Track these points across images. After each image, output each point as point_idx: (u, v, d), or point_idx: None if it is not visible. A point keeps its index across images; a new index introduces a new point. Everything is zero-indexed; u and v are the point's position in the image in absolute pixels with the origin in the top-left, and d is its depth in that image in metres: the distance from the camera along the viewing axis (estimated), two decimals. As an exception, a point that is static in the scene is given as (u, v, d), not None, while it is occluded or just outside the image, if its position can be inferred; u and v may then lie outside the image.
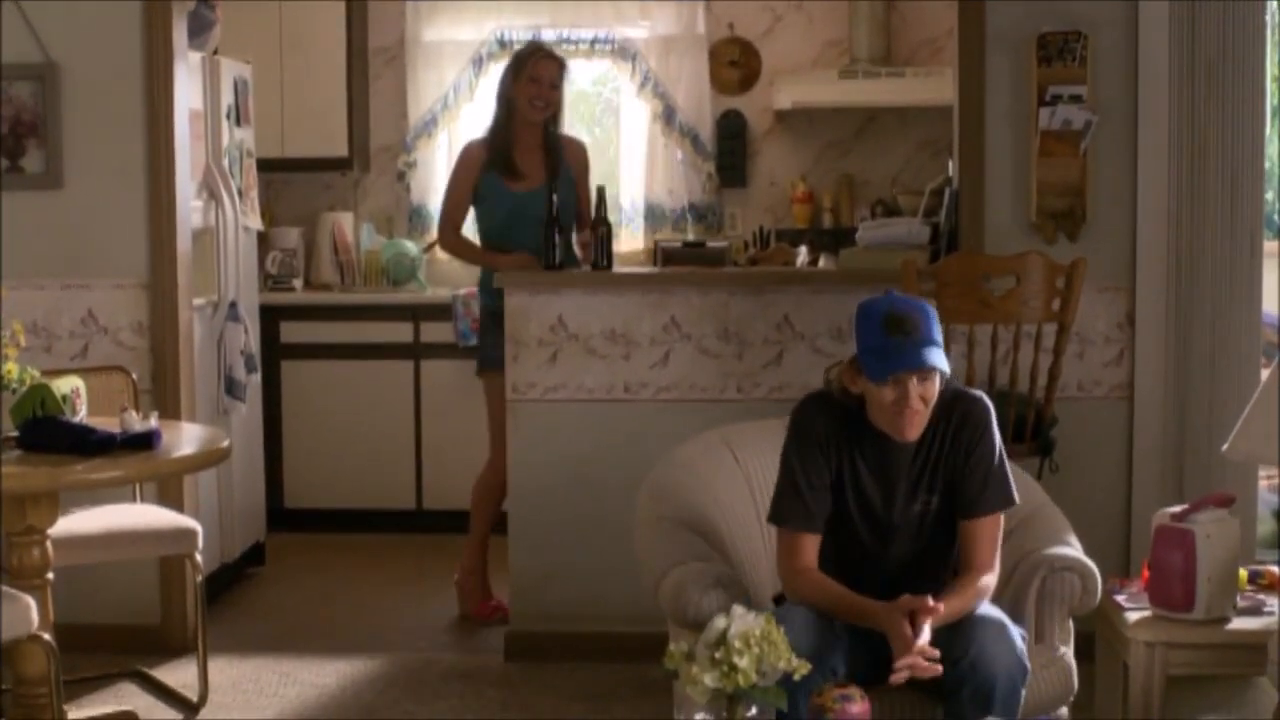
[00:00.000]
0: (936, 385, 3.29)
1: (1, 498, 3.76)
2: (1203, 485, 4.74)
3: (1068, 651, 3.51)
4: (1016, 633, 3.26)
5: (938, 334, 3.30)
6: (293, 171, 7.19)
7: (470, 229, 5.56)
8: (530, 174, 5.34)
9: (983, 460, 3.37)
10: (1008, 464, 3.43)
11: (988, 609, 3.33)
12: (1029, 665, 3.25)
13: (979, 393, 3.45)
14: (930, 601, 3.16)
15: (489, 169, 5.35)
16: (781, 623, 2.93)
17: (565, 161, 5.39)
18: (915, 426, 3.30)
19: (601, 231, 5.05)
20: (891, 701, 3.26)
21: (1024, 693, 3.23)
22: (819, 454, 3.37)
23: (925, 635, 3.13)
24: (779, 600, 3.49)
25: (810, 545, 3.38)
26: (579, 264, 5.23)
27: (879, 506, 3.39)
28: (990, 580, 3.36)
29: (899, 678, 3.10)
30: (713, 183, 7.28)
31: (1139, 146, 4.85)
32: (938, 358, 3.25)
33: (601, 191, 5.11)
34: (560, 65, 5.38)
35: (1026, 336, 4.58)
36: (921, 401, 3.27)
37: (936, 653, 3.13)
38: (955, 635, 3.20)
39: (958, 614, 3.25)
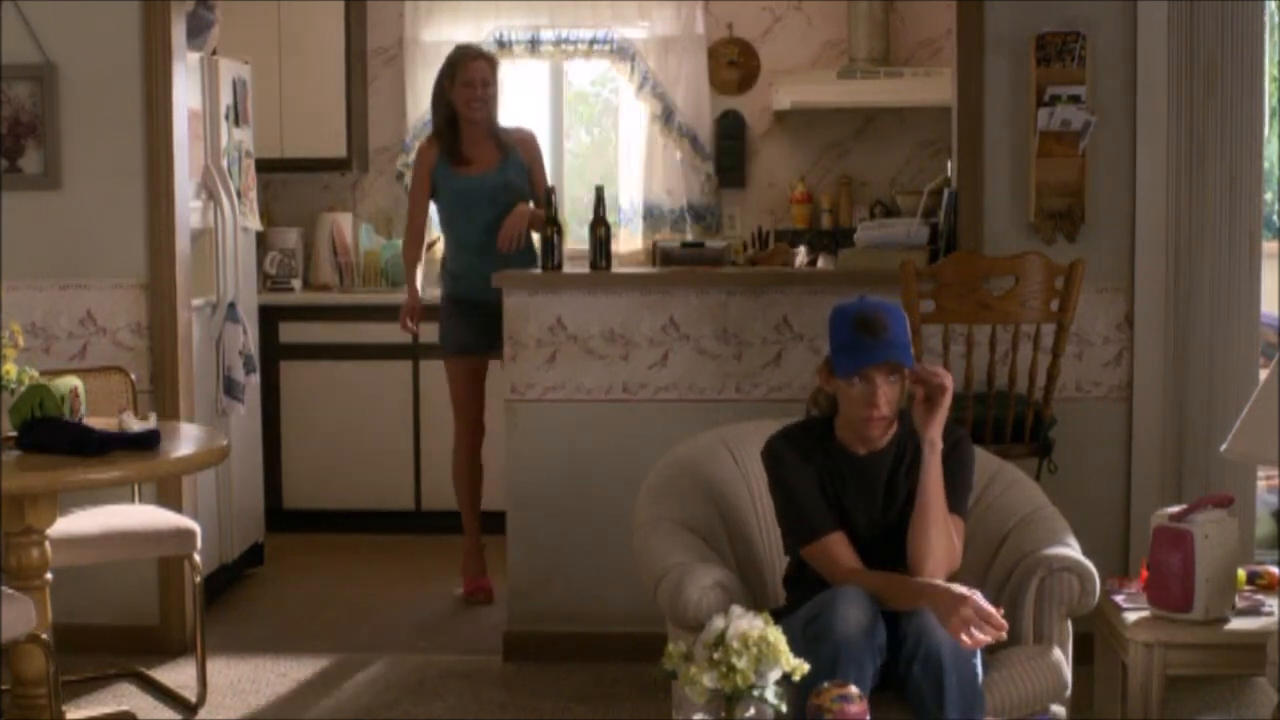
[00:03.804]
0: (901, 390, 3.43)
1: (1, 498, 3.76)
2: (1201, 486, 4.75)
3: (1058, 648, 3.50)
4: None
5: (905, 337, 3.44)
6: (291, 172, 7.20)
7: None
8: (478, 160, 5.61)
9: (959, 470, 3.49)
10: (970, 497, 3.56)
11: None
12: None
13: (962, 433, 3.58)
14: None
15: (440, 161, 5.61)
16: (838, 600, 3.16)
17: (514, 149, 5.66)
18: (880, 428, 3.44)
19: (600, 232, 5.06)
20: (888, 705, 3.27)
21: (977, 664, 3.25)
22: (803, 471, 3.48)
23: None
24: (778, 614, 3.49)
25: (844, 542, 3.45)
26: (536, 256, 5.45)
27: (858, 518, 3.50)
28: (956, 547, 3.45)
29: (972, 636, 3.18)
30: (711, 183, 7.29)
31: (1138, 147, 4.85)
32: (904, 355, 3.40)
33: (600, 192, 5.12)
34: (490, 63, 5.62)
35: (1025, 337, 4.59)
36: (889, 406, 3.41)
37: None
38: (898, 617, 3.26)
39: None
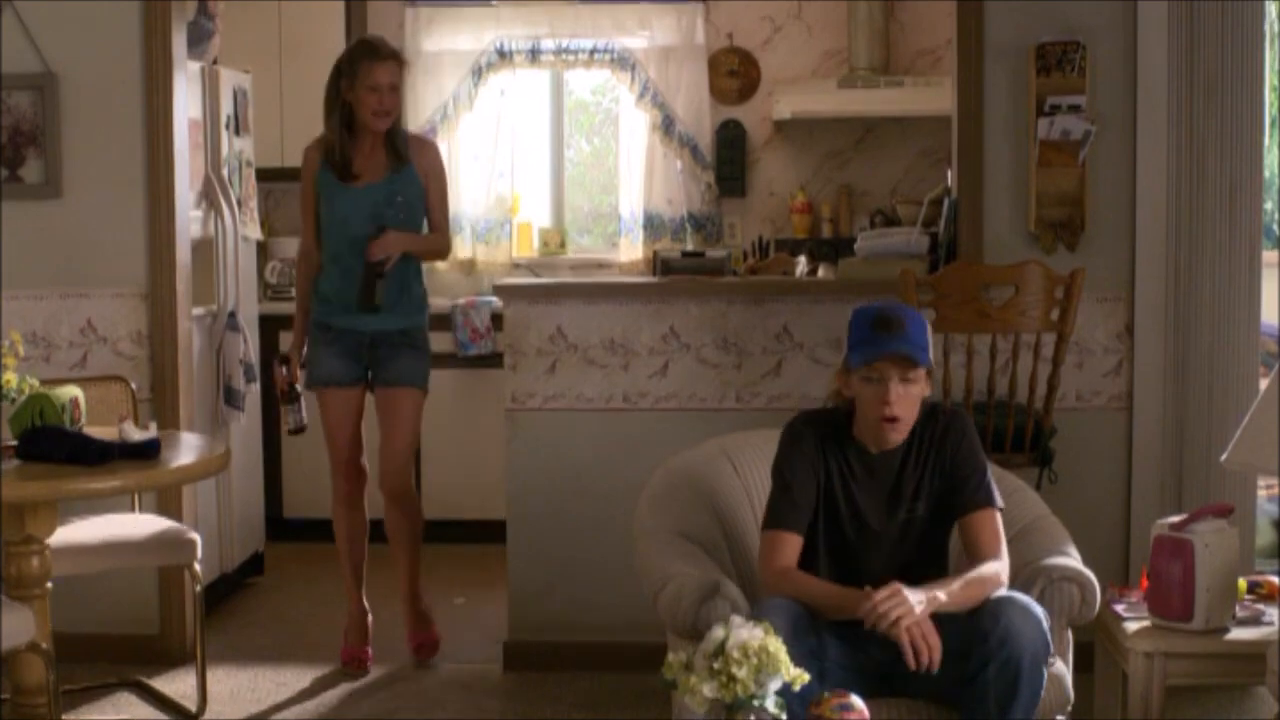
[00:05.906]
0: (918, 394, 3.44)
1: (1, 507, 3.76)
2: (1201, 495, 4.74)
3: (1060, 660, 3.50)
4: (1040, 613, 3.31)
5: (923, 339, 3.46)
6: (292, 181, 7.11)
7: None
8: (366, 172, 4.92)
9: (969, 460, 3.51)
10: (990, 471, 3.57)
11: (1012, 592, 3.39)
12: (1052, 645, 3.32)
13: (955, 407, 3.60)
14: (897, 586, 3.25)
15: (324, 168, 4.93)
16: (763, 616, 3.06)
17: (411, 160, 4.94)
18: (897, 432, 3.45)
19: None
20: (898, 708, 3.27)
21: (1045, 672, 3.28)
22: (807, 463, 3.51)
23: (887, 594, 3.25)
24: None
25: (793, 545, 3.49)
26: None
27: (866, 516, 3.51)
28: (997, 567, 3.42)
29: (878, 625, 3.21)
30: (712, 192, 7.29)
31: (1138, 156, 4.85)
32: (918, 353, 3.41)
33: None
34: (400, 63, 4.90)
35: (1025, 346, 4.59)
36: (902, 406, 3.41)
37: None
38: (982, 614, 3.28)
39: (965, 600, 3.33)
